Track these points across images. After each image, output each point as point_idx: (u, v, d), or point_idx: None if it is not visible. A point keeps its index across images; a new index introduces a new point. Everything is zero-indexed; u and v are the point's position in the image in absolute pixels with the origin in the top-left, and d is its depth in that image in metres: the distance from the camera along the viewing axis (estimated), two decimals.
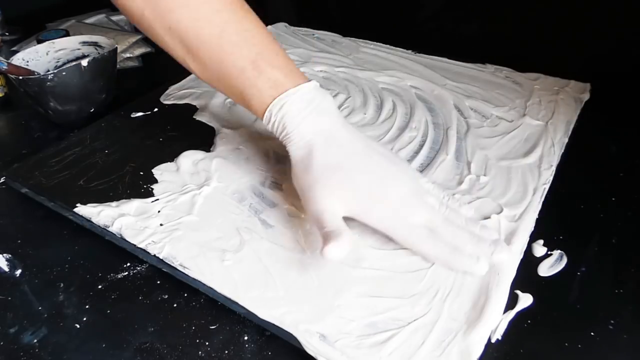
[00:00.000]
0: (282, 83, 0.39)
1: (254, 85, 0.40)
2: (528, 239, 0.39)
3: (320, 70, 0.64)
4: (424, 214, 0.37)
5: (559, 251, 0.39)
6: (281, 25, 0.78)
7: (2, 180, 0.50)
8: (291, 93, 0.39)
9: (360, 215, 0.38)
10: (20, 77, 0.54)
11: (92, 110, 0.60)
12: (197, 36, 0.40)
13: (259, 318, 0.34)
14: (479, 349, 0.31)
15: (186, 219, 0.42)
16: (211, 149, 0.51)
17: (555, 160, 0.47)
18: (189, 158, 0.49)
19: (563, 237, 0.40)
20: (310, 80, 0.40)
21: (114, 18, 0.84)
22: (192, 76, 0.65)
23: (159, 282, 0.39)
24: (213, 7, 0.40)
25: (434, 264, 0.37)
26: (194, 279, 0.37)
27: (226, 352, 0.34)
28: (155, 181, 0.47)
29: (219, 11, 0.40)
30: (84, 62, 0.55)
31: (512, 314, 0.34)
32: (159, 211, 0.43)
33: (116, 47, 0.60)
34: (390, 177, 0.38)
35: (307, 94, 0.39)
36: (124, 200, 0.45)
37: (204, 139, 0.53)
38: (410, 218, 0.37)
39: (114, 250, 0.42)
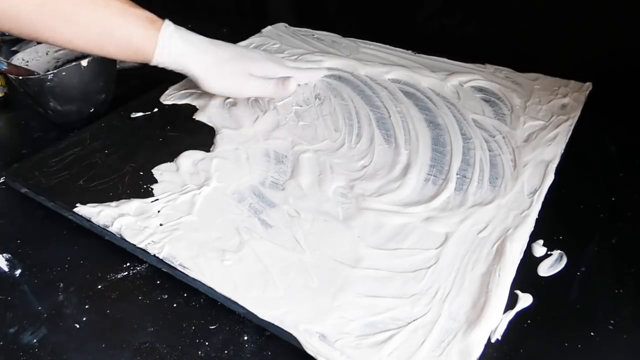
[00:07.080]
0: (156, 19, 0.49)
1: (139, 25, 0.48)
2: (528, 239, 0.39)
3: None
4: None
5: (558, 251, 0.39)
6: (281, 26, 0.78)
7: (2, 180, 0.50)
8: (167, 24, 0.49)
9: (266, 71, 0.55)
10: (20, 77, 0.54)
11: (92, 110, 0.60)
12: (73, 2, 0.45)
13: (258, 318, 0.35)
14: (479, 349, 0.31)
15: (186, 219, 0.42)
16: (211, 149, 0.51)
17: (555, 160, 0.47)
18: (189, 158, 0.49)
19: (563, 237, 0.40)
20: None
21: None
22: None
23: (158, 282, 0.39)
24: None
25: (433, 265, 0.37)
26: (193, 279, 0.37)
27: (226, 352, 0.34)
28: (155, 181, 0.47)
29: None
30: (84, 62, 0.55)
31: (512, 314, 0.34)
32: (158, 211, 0.43)
33: None
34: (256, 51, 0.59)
35: (172, 23, 0.50)
36: (123, 200, 0.45)
37: (204, 139, 0.53)
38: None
39: (114, 250, 0.42)
